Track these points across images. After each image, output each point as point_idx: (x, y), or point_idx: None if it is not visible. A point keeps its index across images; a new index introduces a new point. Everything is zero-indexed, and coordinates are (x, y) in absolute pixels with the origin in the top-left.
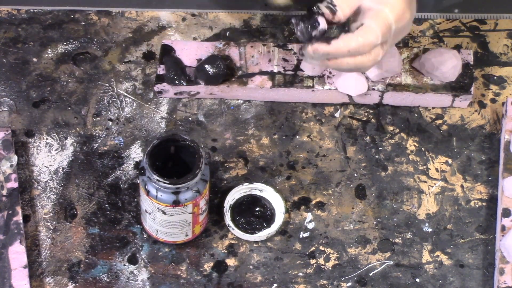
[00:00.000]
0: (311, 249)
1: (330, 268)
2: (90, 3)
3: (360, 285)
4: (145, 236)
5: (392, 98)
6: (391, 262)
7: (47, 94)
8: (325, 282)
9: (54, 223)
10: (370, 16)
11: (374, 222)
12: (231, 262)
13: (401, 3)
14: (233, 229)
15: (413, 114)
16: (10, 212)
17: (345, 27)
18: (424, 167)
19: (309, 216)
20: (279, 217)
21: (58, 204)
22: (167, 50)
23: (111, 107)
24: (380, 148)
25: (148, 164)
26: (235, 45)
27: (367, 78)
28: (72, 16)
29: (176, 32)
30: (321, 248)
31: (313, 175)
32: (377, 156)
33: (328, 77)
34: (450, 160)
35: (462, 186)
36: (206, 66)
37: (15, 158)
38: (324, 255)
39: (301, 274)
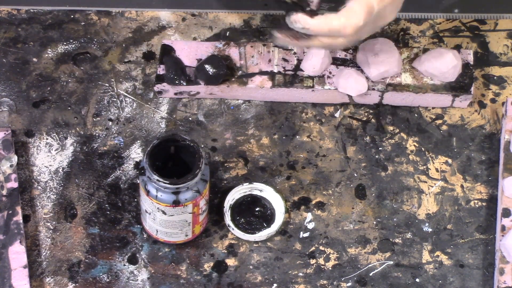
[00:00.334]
0: (311, 249)
1: (330, 268)
2: (90, 3)
3: (360, 285)
4: (145, 236)
5: (392, 98)
6: (391, 262)
7: (47, 94)
8: (325, 282)
9: (54, 223)
10: None
11: (374, 222)
12: (231, 262)
13: None
14: (233, 229)
15: (413, 114)
16: (10, 212)
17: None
18: (424, 167)
19: (309, 216)
20: (279, 217)
21: (58, 204)
22: (167, 50)
23: (111, 107)
24: (380, 148)
25: (148, 164)
26: (235, 45)
27: (367, 78)
28: (72, 16)
29: (176, 32)
30: (321, 248)
31: (313, 175)
32: (377, 156)
33: (328, 77)
34: (450, 160)
35: (462, 186)
36: (206, 66)
37: (15, 158)
38: (324, 255)
39: (301, 274)
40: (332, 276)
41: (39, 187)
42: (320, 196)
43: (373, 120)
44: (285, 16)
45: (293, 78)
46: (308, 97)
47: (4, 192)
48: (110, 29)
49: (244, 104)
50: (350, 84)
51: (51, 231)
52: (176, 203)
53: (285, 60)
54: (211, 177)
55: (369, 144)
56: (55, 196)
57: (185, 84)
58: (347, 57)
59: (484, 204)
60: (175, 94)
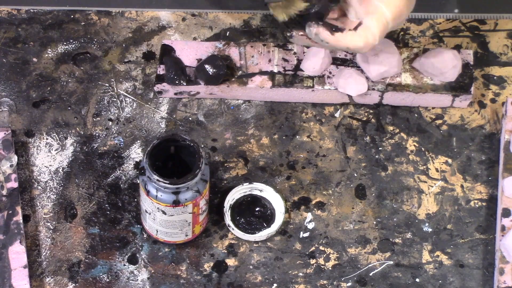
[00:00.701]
0: (311, 249)
1: (330, 268)
2: (90, 3)
3: (360, 285)
4: (145, 236)
5: (392, 98)
6: (391, 262)
7: (47, 94)
8: (325, 282)
9: (54, 223)
10: (369, 12)
11: (374, 222)
12: (231, 262)
13: (400, 1)
14: (233, 229)
15: (413, 114)
16: (10, 212)
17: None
18: (424, 167)
19: (309, 216)
20: (279, 217)
21: (58, 204)
22: (167, 50)
23: (111, 107)
24: (380, 148)
25: (148, 164)
26: (235, 45)
27: (367, 78)
28: (72, 16)
29: (176, 32)
30: (321, 248)
31: (313, 175)
32: (377, 156)
33: (328, 77)
34: (450, 160)
35: (462, 186)
36: (206, 66)
37: (15, 158)
38: (324, 255)
39: (301, 274)
40: (332, 276)
41: (39, 187)
42: (320, 196)
43: (373, 120)
44: (305, 25)
45: (293, 78)
46: (308, 97)
47: (4, 192)
48: (110, 29)
49: (244, 104)
50: (350, 84)
51: (51, 231)
52: (176, 203)
53: (285, 60)
54: (211, 177)
55: (369, 144)
56: (55, 196)
57: (185, 84)
58: (347, 57)
59: (484, 204)
60: (175, 94)
